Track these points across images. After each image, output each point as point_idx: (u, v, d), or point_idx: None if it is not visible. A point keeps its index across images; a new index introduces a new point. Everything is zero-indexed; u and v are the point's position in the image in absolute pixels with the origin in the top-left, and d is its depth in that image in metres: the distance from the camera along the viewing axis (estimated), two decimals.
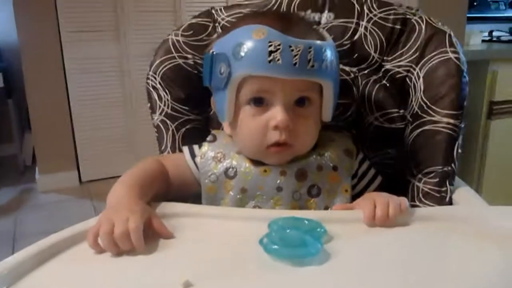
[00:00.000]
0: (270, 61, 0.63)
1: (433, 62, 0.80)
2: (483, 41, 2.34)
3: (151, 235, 0.60)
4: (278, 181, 0.71)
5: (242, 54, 0.65)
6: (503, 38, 2.43)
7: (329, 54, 0.67)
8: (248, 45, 0.65)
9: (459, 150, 0.79)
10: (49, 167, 2.68)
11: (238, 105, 0.70)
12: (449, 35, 0.81)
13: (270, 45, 0.63)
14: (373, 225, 0.64)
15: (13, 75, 2.85)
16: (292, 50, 0.63)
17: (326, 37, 0.71)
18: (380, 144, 0.87)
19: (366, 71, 0.88)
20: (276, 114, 0.66)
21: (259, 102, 0.68)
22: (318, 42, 0.67)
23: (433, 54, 0.81)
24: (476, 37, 2.23)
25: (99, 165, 2.78)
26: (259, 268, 0.55)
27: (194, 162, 0.75)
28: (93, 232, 0.58)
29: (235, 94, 0.69)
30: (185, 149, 0.78)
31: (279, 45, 0.63)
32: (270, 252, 0.55)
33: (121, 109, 2.78)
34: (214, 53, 0.69)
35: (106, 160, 2.79)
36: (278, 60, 0.63)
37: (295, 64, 0.64)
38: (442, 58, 0.80)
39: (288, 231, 0.58)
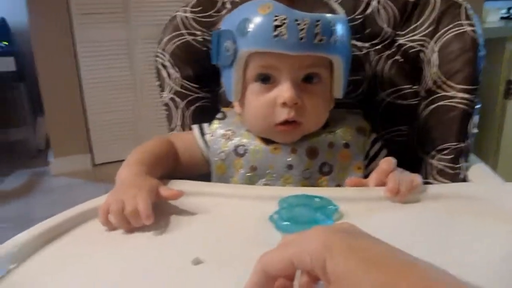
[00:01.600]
0: (275, 36, 0.62)
1: (448, 36, 0.78)
2: (501, 18, 2.28)
3: (163, 211, 0.60)
4: (289, 159, 0.70)
5: (247, 30, 0.63)
6: None
7: (339, 28, 0.65)
8: (253, 20, 0.63)
9: (475, 129, 0.77)
10: (62, 150, 2.70)
11: (245, 82, 0.68)
12: (465, 7, 0.78)
13: (276, 20, 0.61)
14: (388, 198, 0.62)
15: (25, 59, 2.85)
16: (299, 24, 0.61)
17: (338, 11, 0.69)
18: (392, 121, 0.86)
19: (378, 46, 0.85)
20: (284, 91, 0.65)
21: (266, 79, 0.67)
22: (327, 15, 0.64)
23: (448, 27, 0.78)
24: (494, 14, 2.17)
25: (112, 148, 2.79)
26: (269, 245, 0.53)
27: (204, 140, 0.74)
28: (103, 210, 0.58)
29: (242, 71, 0.67)
30: (195, 127, 0.77)
31: (284, 19, 0.61)
32: (280, 228, 0.55)
33: (132, 91, 2.78)
34: (221, 29, 0.68)
35: (119, 143, 2.80)
36: (284, 35, 0.61)
37: (301, 38, 0.62)
38: (457, 31, 0.77)
39: (298, 208, 0.57)
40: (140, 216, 0.57)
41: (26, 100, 2.85)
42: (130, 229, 0.58)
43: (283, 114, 0.66)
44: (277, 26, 0.61)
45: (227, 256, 0.52)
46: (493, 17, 2.17)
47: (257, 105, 0.68)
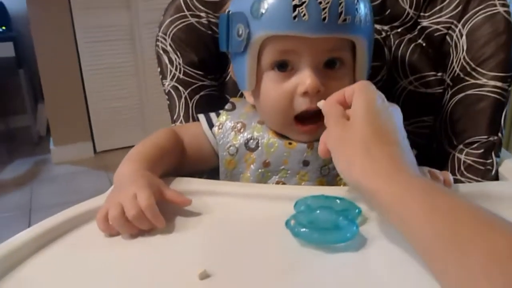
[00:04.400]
0: (295, 17, 0.55)
1: (478, 18, 0.71)
2: None
3: (165, 212, 0.54)
4: (305, 155, 0.64)
5: (262, 11, 0.57)
6: None
7: (362, 6, 0.59)
8: (268, 0, 0.56)
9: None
10: (63, 138, 2.65)
11: (260, 71, 0.62)
12: None
13: None
14: None
15: (24, 45, 2.78)
16: (320, 3, 0.55)
17: None
18: (414, 111, 0.79)
19: (399, 30, 0.79)
20: (305, 78, 0.58)
21: (284, 66, 0.60)
22: None
23: (478, 8, 0.71)
24: None
25: (114, 135, 2.74)
26: (286, 255, 0.48)
27: (212, 132, 0.68)
28: (101, 217, 0.52)
29: (257, 58, 0.61)
30: (202, 117, 0.71)
31: None
32: (298, 235, 0.48)
33: (134, 78, 2.71)
34: (230, 12, 0.61)
35: (120, 130, 2.75)
36: (304, 15, 0.55)
37: (324, 19, 0.55)
38: (489, 13, 0.70)
39: (318, 211, 0.51)
40: (147, 219, 0.51)
41: (26, 86, 2.79)
42: (136, 233, 0.52)
43: (304, 104, 0.60)
44: (296, 6, 0.55)
45: (238, 270, 0.46)
46: None
47: (274, 96, 0.61)
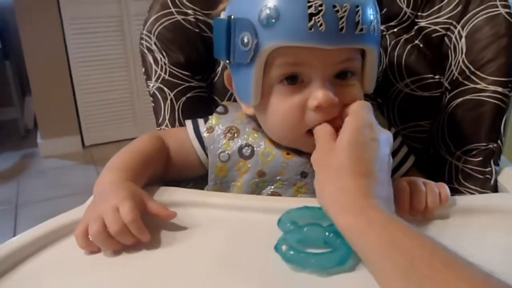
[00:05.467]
0: (311, 28, 0.51)
1: (479, 19, 0.68)
2: None
3: (150, 222, 0.51)
4: (303, 166, 0.60)
5: (273, 19, 0.52)
6: None
7: (374, 12, 0.55)
8: (280, 6, 0.51)
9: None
10: (51, 131, 2.60)
11: (266, 83, 0.57)
12: None
13: (310, 6, 0.50)
14: (407, 217, 0.53)
15: (10, 35, 2.72)
16: (337, 11, 0.51)
17: None
18: (410, 115, 0.76)
19: (395, 30, 0.76)
20: (316, 91, 0.54)
21: (293, 78, 0.56)
22: None
23: (479, 8, 0.68)
24: None
25: (103, 129, 2.69)
26: (277, 280, 0.45)
27: (199, 139, 0.64)
28: (81, 232, 0.49)
29: (263, 70, 0.56)
30: (188, 123, 0.67)
31: (320, 5, 0.50)
32: (291, 261, 0.45)
33: (123, 70, 2.66)
34: (232, 17, 0.55)
35: (110, 124, 2.70)
36: (321, 25, 0.50)
37: (341, 29, 0.51)
38: (489, 14, 0.67)
39: (305, 229, 0.48)
40: (131, 233, 0.49)
41: (13, 78, 2.72)
42: (119, 249, 0.49)
43: (318, 118, 0.55)
44: (312, 15, 0.50)
45: None
46: None
47: (284, 110, 0.56)
